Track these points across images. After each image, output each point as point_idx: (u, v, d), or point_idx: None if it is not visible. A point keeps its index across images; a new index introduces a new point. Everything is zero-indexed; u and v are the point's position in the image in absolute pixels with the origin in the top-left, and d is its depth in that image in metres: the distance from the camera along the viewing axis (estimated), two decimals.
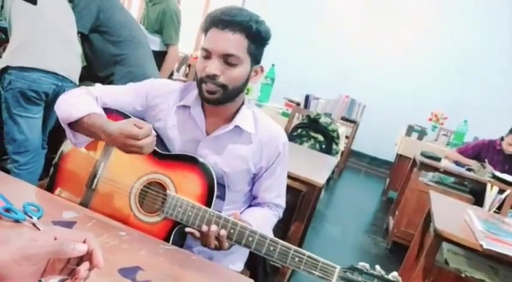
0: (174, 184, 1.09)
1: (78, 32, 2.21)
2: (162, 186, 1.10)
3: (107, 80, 2.36)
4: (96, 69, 2.38)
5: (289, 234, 2.34)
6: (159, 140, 1.20)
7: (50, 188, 1.18)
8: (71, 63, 2.08)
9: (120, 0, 2.50)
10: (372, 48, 5.71)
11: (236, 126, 1.17)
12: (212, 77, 1.07)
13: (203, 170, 1.09)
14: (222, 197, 1.12)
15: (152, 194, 1.11)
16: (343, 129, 3.95)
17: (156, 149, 1.11)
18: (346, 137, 4.58)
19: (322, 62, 5.81)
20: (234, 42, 1.07)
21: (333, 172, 3.42)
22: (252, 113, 1.21)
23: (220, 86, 1.08)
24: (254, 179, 1.26)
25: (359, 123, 4.99)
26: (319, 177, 1.99)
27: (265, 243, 0.99)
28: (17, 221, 0.88)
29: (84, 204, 1.13)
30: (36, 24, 1.93)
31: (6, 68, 1.89)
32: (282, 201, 1.33)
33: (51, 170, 1.21)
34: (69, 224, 0.92)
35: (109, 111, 1.17)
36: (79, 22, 2.18)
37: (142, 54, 2.47)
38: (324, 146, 3.02)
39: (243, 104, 1.20)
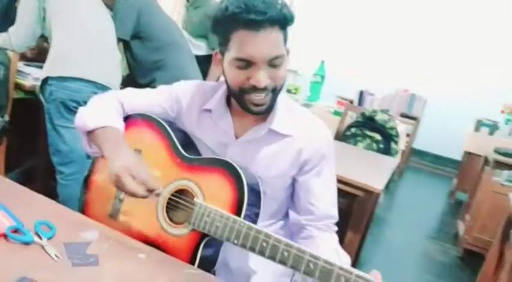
0: (202, 191, 0.96)
1: (120, 40, 2.19)
2: (191, 194, 0.99)
3: (148, 87, 2.32)
4: (138, 77, 2.35)
5: (344, 244, 2.14)
6: (191, 145, 1.12)
7: (81, 204, 1.15)
8: (111, 71, 2.05)
9: (161, 5, 2.45)
10: (431, 35, 5.27)
11: (270, 130, 1.03)
12: (263, 89, 0.94)
13: (232, 174, 0.95)
14: (256, 204, 0.97)
15: (180, 203, 1.00)
16: (402, 127, 3.70)
17: (185, 153, 1.04)
18: (407, 135, 4.31)
19: (375, 54, 5.45)
20: (275, 42, 0.93)
21: (393, 173, 3.19)
22: (288, 111, 1.06)
23: (270, 92, 0.96)
24: (295, 188, 1.11)
25: (420, 119, 4.66)
26: (377, 182, 1.78)
27: (303, 259, 0.83)
28: (25, 243, 0.79)
29: (114, 215, 1.07)
30: (74, 33, 1.92)
31: (47, 79, 1.88)
32: (335, 211, 1.13)
33: (82, 184, 1.17)
34: (81, 246, 0.82)
35: (136, 117, 1.13)
36: (121, 29, 2.15)
37: (183, 58, 2.41)
38: (381, 146, 2.81)
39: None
